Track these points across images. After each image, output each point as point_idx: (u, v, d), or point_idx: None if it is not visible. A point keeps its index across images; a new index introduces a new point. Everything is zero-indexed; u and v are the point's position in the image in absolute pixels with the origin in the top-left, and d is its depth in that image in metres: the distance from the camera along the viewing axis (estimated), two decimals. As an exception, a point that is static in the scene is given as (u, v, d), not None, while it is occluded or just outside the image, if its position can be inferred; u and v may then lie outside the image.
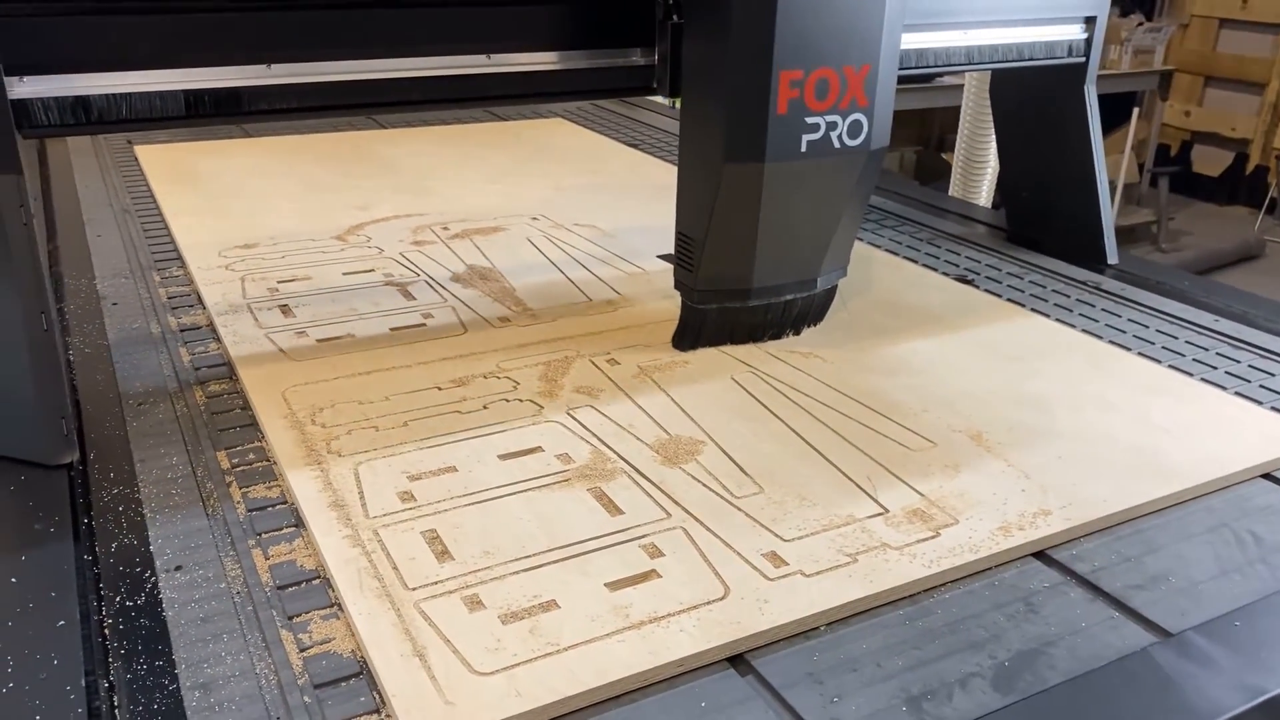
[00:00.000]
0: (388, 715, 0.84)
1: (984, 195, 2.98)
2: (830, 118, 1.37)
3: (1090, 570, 1.06)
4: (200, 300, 1.65)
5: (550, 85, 1.46)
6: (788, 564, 1.03)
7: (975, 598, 1.02)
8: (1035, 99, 1.96)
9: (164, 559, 1.02)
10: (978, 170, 2.97)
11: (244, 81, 1.27)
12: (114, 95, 1.21)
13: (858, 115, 1.39)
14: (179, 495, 1.13)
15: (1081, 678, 0.91)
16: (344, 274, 1.77)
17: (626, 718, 0.86)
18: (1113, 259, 1.94)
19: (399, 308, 1.63)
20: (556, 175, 2.42)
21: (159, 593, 0.97)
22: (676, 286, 1.51)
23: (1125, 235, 5.86)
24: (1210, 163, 6.94)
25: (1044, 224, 2.05)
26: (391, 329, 1.55)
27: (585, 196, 2.26)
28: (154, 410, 1.31)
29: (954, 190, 3.03)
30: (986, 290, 1.80)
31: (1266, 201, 6.51)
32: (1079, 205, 1.95)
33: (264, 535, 1.07)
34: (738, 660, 0.93)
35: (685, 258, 1.47)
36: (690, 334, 1.50)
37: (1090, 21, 1.81)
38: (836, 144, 1.39)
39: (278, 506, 1.12)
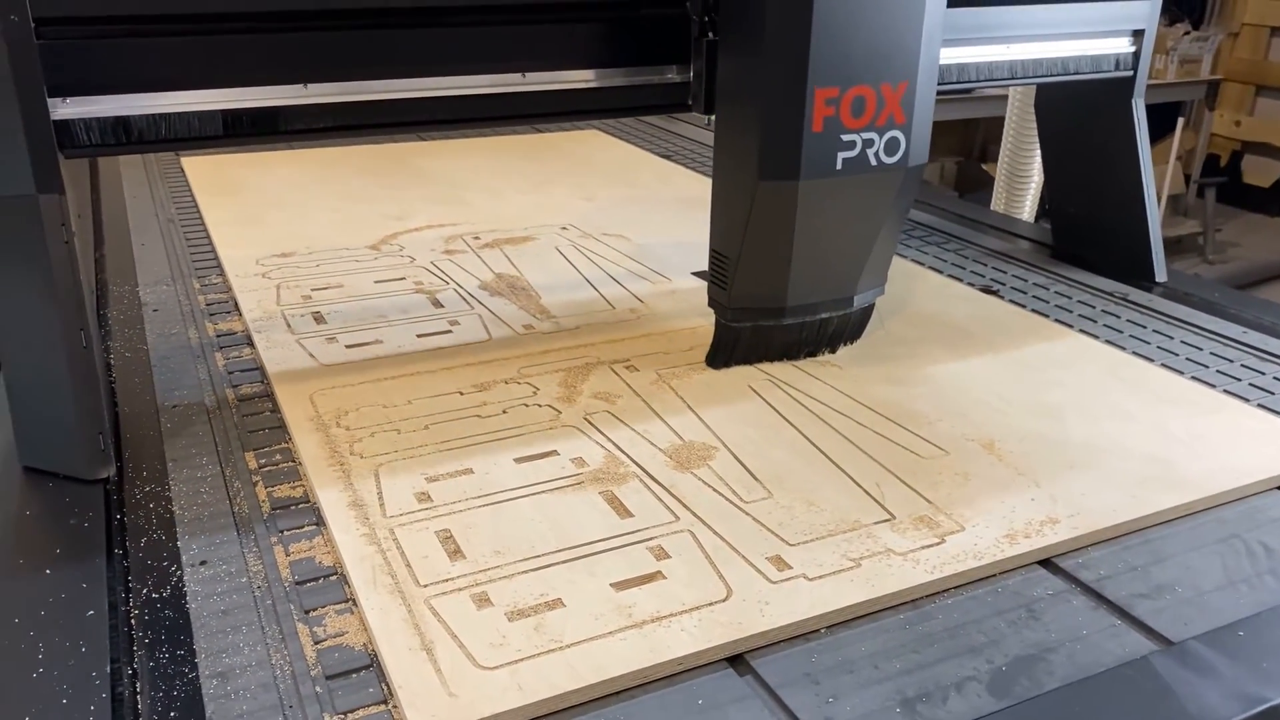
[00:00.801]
0: (394, 706, 0.87)
1: (1028, 209, 2.94)
2: (867, 135, 1.36)
3: (1095, 579, 1.07)
4: (237, 307, 1.71)
5: (585, 103, 1.47)
6: (791, 567, 1.05)
7: (977, 603, 1.03)
8: (1081, 113, 1.92)
9: (190, 554, 1.07)
10: (1021, 184, 2.93)
11: (281, 101, 1.29)
12: (153, 115, 1.24)
13: (895, 132, 1.38)
14: (208, 494, 1.18)
15: (1077, 684, 0.91)
16: (375, 282, 1.82)
17: (625, 713, 0.88)
18: (1161, 276, 1.89)
19: (427, 315, 1.68)
20: (589, 186, 2.46)
21: (184, 586, 1.02)
22: (710, 304, 1.51)
23: (1171, 247, 5.76)
24: (1261, 173, 6.79)
25: (1091, 240, 2.01)
26: (418, 335, 1.60)
27: (616, 208, 2.30)
28: (188, 413, 1.36)
29: (997, 204, 2.99)
30: (1011, 301, 1.80)
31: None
32: (1127, 222, 1.91)
33: (286, 533, 1.11)
34: (737, 660, 0.95)
35: (719, 275, 1.47)
36: (724, 352, 1.50)
37: (1138, 35, 1.79)
38: (873, 161, 1.38)
39: (300, 505, 1.16)
